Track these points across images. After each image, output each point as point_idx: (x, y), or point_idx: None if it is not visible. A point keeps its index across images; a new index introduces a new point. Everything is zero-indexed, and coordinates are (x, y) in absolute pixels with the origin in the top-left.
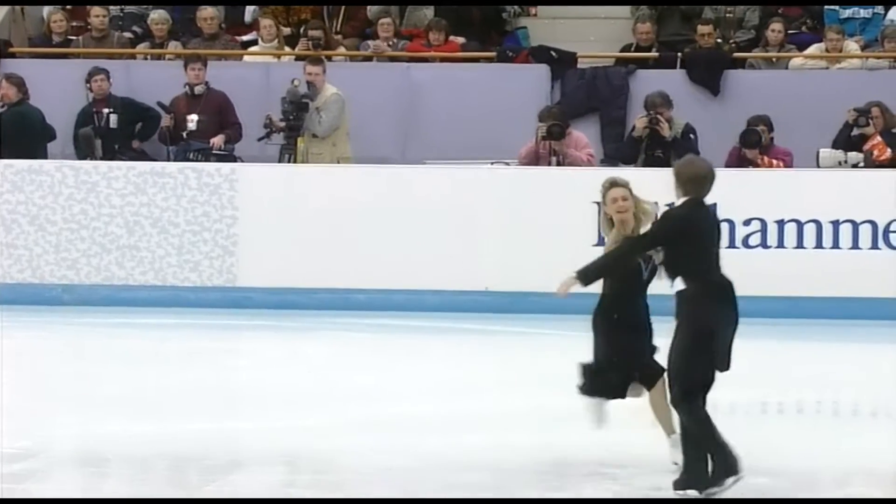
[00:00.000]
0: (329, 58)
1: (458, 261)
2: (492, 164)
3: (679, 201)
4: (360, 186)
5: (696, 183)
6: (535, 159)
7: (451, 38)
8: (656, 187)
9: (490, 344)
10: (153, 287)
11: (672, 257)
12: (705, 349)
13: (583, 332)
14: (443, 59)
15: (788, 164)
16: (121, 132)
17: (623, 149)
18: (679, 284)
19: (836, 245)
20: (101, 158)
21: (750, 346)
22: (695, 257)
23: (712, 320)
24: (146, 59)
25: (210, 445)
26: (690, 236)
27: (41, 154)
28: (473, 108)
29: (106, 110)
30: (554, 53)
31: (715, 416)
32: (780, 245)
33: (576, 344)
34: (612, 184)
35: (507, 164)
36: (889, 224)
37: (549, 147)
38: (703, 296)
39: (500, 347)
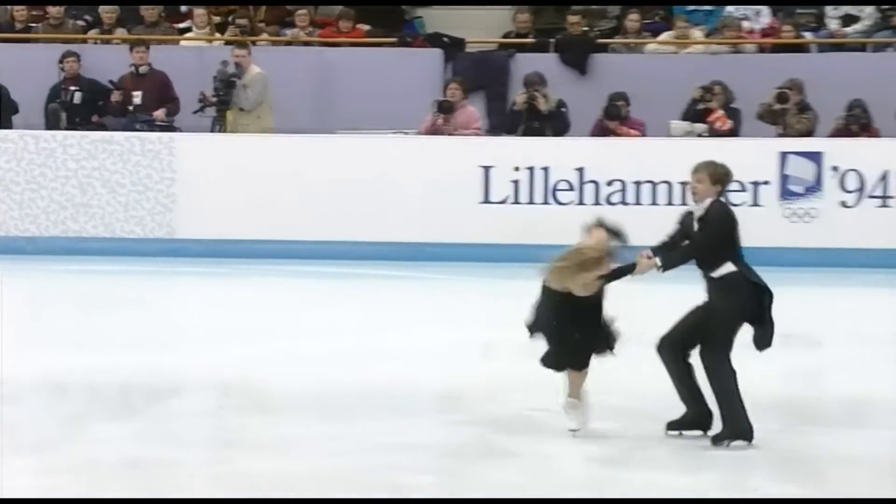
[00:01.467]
0: (254, 42)
1: (367, 216)
2: (394, 132)
3: (710, 199)
4: (282, 152)
5: (725, 181)
6: (432, 130)
7: (358, 25)
8: (533, 152)
9: (394, 287)
10: (104, 239)
11: (719, 247)
12: (743, 322)
13: (469, 275)
14: (351, 44)
15: (643, 133)
16: (84, 108)
17: (505, 121)
18: (722, 270)
19: (684, 202)
20: (66, 129)
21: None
22: (737, 246)
23: (757, 299)
24: (97, 43)
25: (154, 374)
26: (736, 228)
27: (6, 125)
28: (378, 85)
29: (73, 88)
30: (446, 39)
31: None
32: (637, 202)
33: (464, 286)
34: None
35: (407, 133)
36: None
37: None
38: (747, 278)
39: (403, 290)
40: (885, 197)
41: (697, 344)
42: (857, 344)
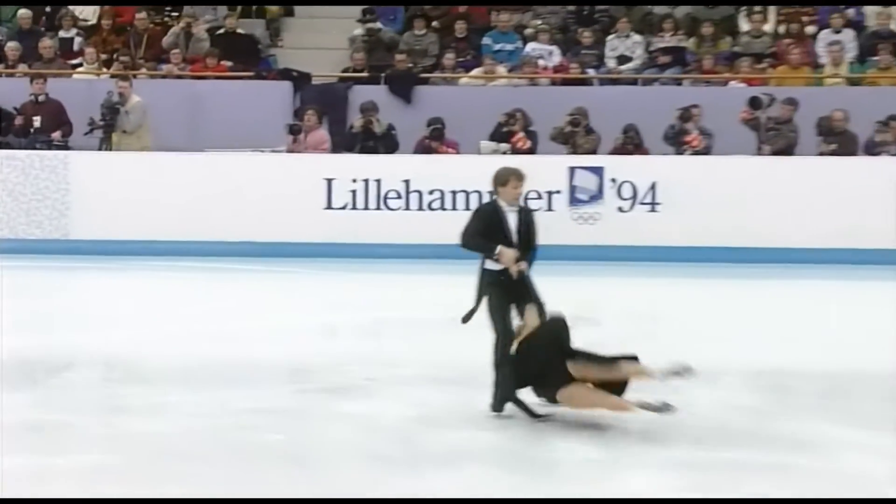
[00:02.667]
0: (134, 76)
1: (230, 220)
2: (252, 150)
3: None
4: (159, 167)
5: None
6: (293, 148)
7: (222, 62)
8: (368, 167)
9: (253, 279)
10: (8, 240)
11: None
12: None
13: (316, 269)
14: (216, 77)
15: (458, 151)
16: None
17: (345, 141)
18: None
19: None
20: None
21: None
22: None
23: None
24: (2, 76)
25: (51, 352)
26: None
27: None
28: (238, 111)
29: None
30: (295, 73)
31: None
32: (454, 208)
33: (311, 278)
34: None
35: (263, 150)
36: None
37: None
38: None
39: (261, 282)
40: (653, 203)
41: None
42: (630, 322)
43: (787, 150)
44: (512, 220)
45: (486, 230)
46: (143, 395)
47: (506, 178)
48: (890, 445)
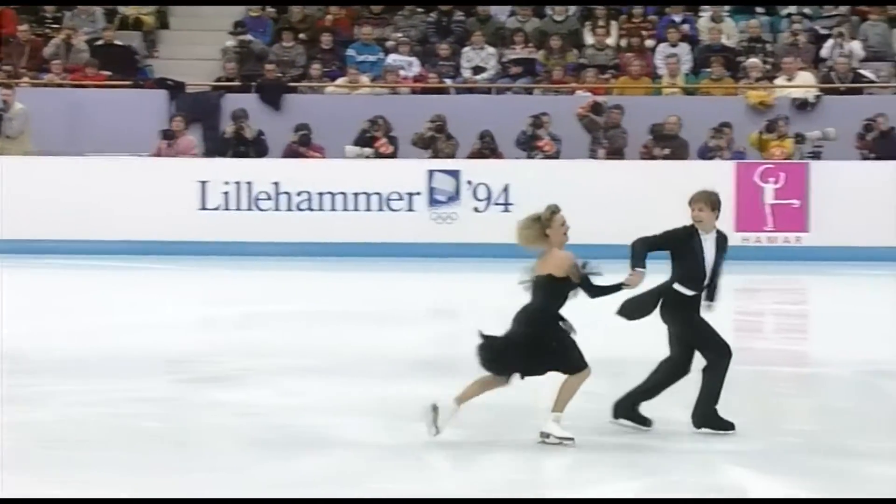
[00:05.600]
0: (17, 84)
1: (109, 220)
2: (130, 155)
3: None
4: (41, 170)
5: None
6: (160, 153)
7: (101, 72)
8: (240, 170)
9: (131, 276)
10: None
11: None
12: None
13: (190, 266)
14: (95, 86)
15: (324, 155)
16: None
17: (218, 146)
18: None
19: (356, 209)
20: None
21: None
22: None
23: None
24: None
25: None
26: None
27: None
28: (117, 118)
29: None
30: (170, 82)
31: None
32: (321, 209)
33: (187, 274)
34: (556, 210)
35: (140, 155)
36: (389, 195)
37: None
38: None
39: (138, 278)
40: (506, 204)
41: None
42: (486, 315)
43: (618, 152)
44: (709, 247)
45: (673, 249)
46: (28, 386)
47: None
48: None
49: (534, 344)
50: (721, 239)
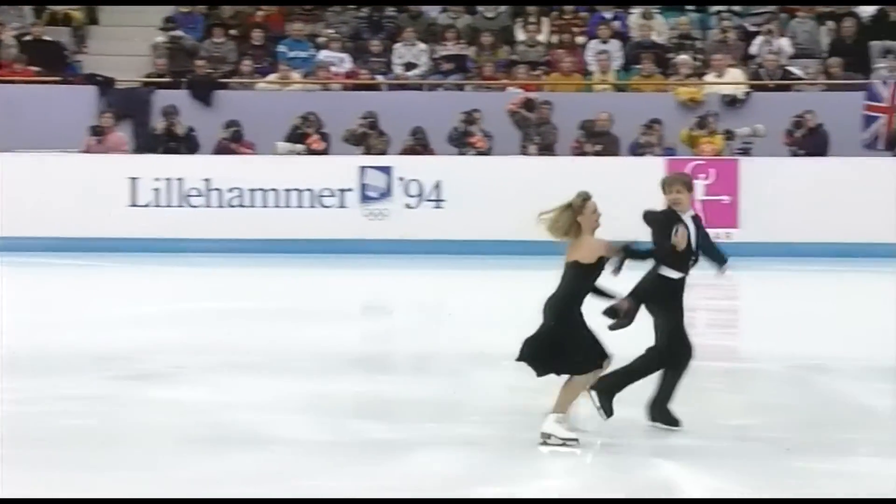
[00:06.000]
0: None
1: (40, 216)
2: (61, 151)
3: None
4: None
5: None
6: (89, 149)
7: (30, 67)
8: (171, 166)
9: (57, 272)
10: None
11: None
12: None
13: (121, 263)
14: (25, 82)
15: (255, 152)
16: None
17: (149, 142)
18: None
19: (287, 205)
20: None
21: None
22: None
23: None
24: None
25: None
26: None
27: None
28: (47, 114)
29: None
30: (100, 78)
31: None
32: (252, 205)
33: (117, 271)
34: (587, 197)
35: (70, 151)
36: (321, 191)
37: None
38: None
39: (65, 275)
40: (438, 200)
41: None
42: (419, 312)
43: (549, 147)
44: (690, 227)
45: (660, 233)
46: None
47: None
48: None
49: (548, 337)
50: (696, 218)
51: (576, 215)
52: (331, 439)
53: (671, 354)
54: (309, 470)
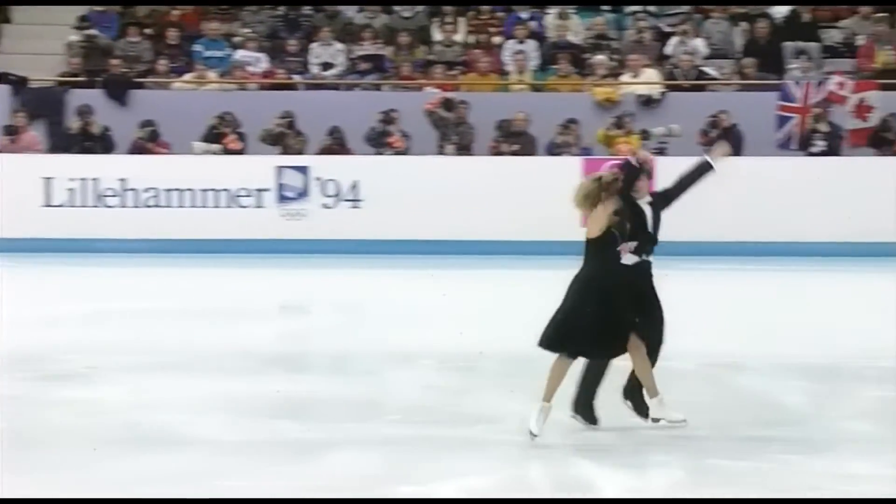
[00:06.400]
0: None
1: None
2: None
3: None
4: None
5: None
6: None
7: None
8: (85, 166)
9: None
10: None
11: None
12: None
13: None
14: None
15: (171, 151)
16: None
17: (63, 142)
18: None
19: (204, 205)
20: None
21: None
22: None
23: None
24: None
25: None
26: None
27: None
28: None
29: None
30: (12, 77)
31: None
32: (168, 205)
33: (30, 273)
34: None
35: None
36: (238, 191)
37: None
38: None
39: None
40: (355, 200)
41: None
42: (337, 312)
43: (467, 147)
44: (648, 212)
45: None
46: None
47: None
48: (564, 417)
49: (570, 316)
50: (653, 204)
51: (601, 190)
52: (248, 439)
53: (601, 346)
54: (226, 470)
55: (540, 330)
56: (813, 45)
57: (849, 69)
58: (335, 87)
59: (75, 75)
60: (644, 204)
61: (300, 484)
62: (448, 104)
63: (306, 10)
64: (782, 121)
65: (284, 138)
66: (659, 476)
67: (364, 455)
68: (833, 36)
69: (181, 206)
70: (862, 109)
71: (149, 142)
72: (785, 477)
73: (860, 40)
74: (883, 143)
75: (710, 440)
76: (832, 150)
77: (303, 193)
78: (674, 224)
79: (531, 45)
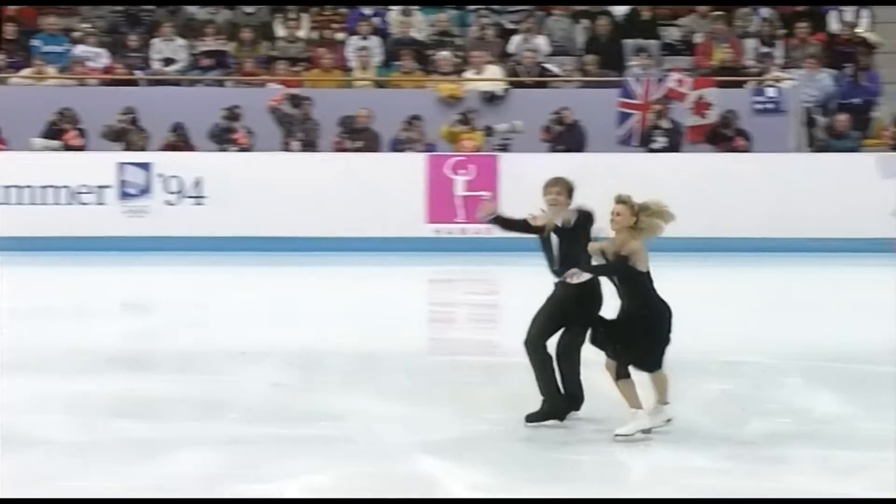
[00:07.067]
0: None
1: None
2: None
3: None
4: None
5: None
6: None
7: None
8: None
9: None
10: None
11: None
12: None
13: None
14: None
15: (10, 149)
16: None
17: None
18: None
19: (44, 203)
20: None
21: None
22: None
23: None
24: None
25: None
26: None
27: None
28: None
29: None
30: None
31: None
32: (6, 202)
33: None
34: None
35: None
36: (79, 188)
37: None
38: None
39: None
40: (199, 197)
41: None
42: (180, 310)
43: (312, 144)
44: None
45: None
46: None
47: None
48: (412, 414)
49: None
50: (579, 218)
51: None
52: (90, 439)
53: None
54: (68, 470)
55: (390, 326)
56: (652, 42)
57: (687, 66)
58: (177, 83)
59: None
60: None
61: (141, 483)
62: (296, 101)
63: (147, 5)
64: (623, 117)
65: (126, 134)
66: (502, 471)
67: (207, 454)
68: (672, 34)
69: (20, 204)
70: (700, 106)
71: None
72: (622, 470)
73: (698, 38)
74: (721, 139)
75: (550, 434)
76: (672, 147)
77: (145, 190)
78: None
79: (374, 42)
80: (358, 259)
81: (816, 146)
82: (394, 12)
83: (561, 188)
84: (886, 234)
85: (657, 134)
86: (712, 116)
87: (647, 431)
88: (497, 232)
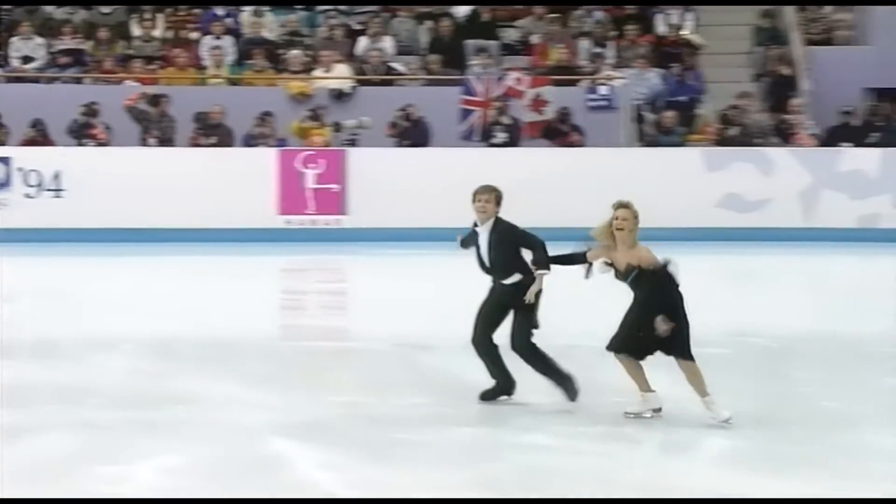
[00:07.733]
0: None
1: None
2: None
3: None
4: None
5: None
6: None
7: None
8: None
9: None
10: None
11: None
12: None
13: None
14: None
15: None
16: None
17: None
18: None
19: None
20: None
21: None
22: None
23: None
24: None
25: None
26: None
27: None
28: None
29: None
30: None
31: None
32: None
33: None
34: (616, 206)
35: None
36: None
37: None
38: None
39: None
40: (58, 190)
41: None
42: (42, 300)
43: (169, 140)
44: (483, 240)
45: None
46: None
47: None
48: (264, 398)
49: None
50: (500, 230)
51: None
52: None
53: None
54: None
55: (244, 313)
56: (492, 43)
57: (525, 66)
58: (36, 81)
59: None
60: (482, 231)
61: (1, 467)
62: (154, 100)
63: (5, 5)
64: (465, 114)
65: None
66: (349, 451)
67: (66, 438)
68: (510, 35)
69: None
70: (538, 103)
71: None
72: (467, 451)
73: (535, 39)
74: (557, 134)
75: (401, 416)
76: (512, 142)
77: (4, 184)
78: (366, 212)
79: (227, 41)
80: (213, 249)
81: (645, 141)
82: (246, 13)
83: (490, 196)
84: (710, 224)
85: (497, 129)
86: (549, 113)
87: (657, 410)
88: (346, 223)
